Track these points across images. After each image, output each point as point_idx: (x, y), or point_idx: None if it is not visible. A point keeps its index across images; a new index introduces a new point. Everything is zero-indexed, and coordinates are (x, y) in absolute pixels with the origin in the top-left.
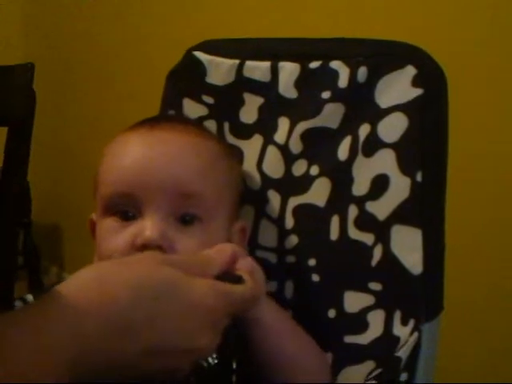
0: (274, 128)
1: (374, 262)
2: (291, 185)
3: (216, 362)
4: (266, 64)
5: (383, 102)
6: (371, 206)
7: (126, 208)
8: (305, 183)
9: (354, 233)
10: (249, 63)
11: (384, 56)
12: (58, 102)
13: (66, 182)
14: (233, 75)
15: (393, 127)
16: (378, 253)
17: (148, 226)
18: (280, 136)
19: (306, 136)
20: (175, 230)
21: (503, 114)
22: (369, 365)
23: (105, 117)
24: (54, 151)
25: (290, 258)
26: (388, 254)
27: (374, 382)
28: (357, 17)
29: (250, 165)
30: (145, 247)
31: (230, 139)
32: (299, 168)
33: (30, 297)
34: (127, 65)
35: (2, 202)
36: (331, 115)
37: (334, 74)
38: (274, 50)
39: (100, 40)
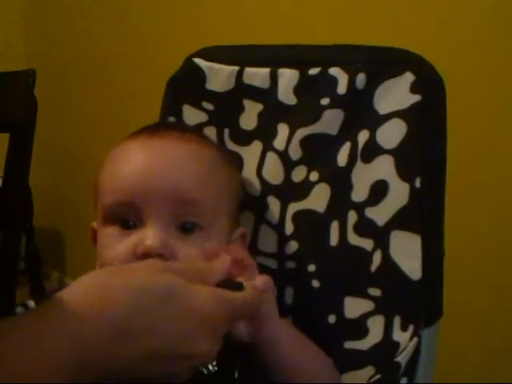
0: (274, 134)
1: (374, 267)
2: (291, 191)
3: (216, 369)
4: (266, 70)
5: (382, 108)
6: (370, 212)
7: (126, 217)
8: (304, 189)
9: (353, 238)
10: (248, 70)
11: (382, 62)
12: (59, 107)
13: (68, 187)
14: (232, 82)
15: (391, 133)
16: (377, 258)
17: (149, 235)
18: (279, 142)
19: (305, 142)
20: (176, 238)
21: (502, 116)
22: (369, 370)
23: (106, 122)
24: (56, 156)
25: (290, 264)
26: (387, 260)
27: None
28: (355, 23)
29: (249, 171)
30: (146, 256)
31: (230, 145)
32: (299, 174)
33: (31, 303)
34: (128, 70)
35: (4, 208)
36: (330, 121)
37: (333, 81)
38: (273, 56)
39: (101, 45)
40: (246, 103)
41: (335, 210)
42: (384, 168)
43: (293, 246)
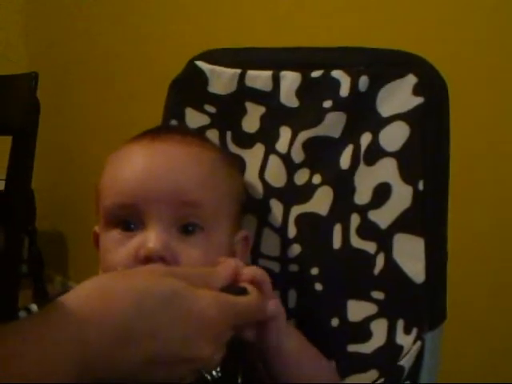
0: (276, 137)
1: (377, 270)
2: (293, 194)
3: (220, 375)
4: (268, 73)
5: (384, 110)
6: (373, 215)
7: (128, 219)
8: (307, 192)
9: (356, 241)
10: (250, 72)
11: (385, 65)
12: (60, 109)
13: (70, 189)
14: (235, 84)
15: (394, 136)
16: (380, 261)
17: (151, 238)
18: (282, 145)
19: (307, 145)
20: (178, 240)
21: (503, 117)
22: (372, 374)
23: (108, 124)
24: (59, 159)
25: (293, 267)
26: (390, 263)
27: None
28: (357, 25)
29: (252, 174)
30: (148, 259)
31: (233, 148)
32: (301, 177)
33: (34, 307)
34: (129, 71)
35: (6, 210)
36: (333, 124)
37: (336, 83)
38: (275, 59)
39: (101, 46)
40: (249, 106)
41: (338, 212)
42: (387, 171)
43: (296, 249)
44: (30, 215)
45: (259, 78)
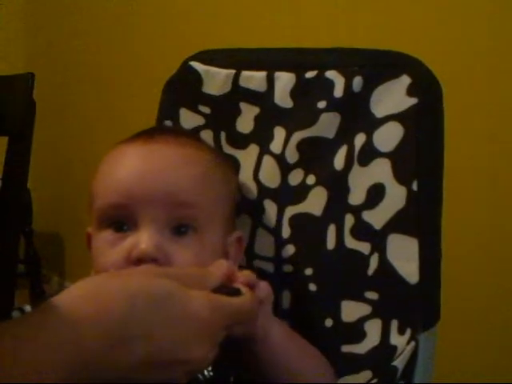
0: (270, 138)
1: (371, 271)
2: (288, 194)
3: (211, 374)
4: (262, 74)
5: (378, 111)
6: (367, 216)
7: (121, 220)
8: (301, 193)
9: (350, 242)
10: (245, 73)
11: (379, 66)
12: (58, 110)
13: (67, 190)
14: (229, 85)
15: (388, 136)
16: (374, 262)
17: (143, 239)
18: (276, 146)
19: (301, 146)
20: (170, 241)
21: (500, 118)
22: (366, 374)
23: (106, 125)
24: (56, 160)
25: (287, 268)
26: (384, 264)
27: None
28: (352, 27)
29: (246, 175)
30: (140, 260)
31: (227, 149)
32: (295, 177)
33: (28, 308)
34: (126, 74)
35: (2, 211)
36: (327, 125)
37: (330, 84)
38: (269, 59)
39: (99, 49)
40: (243, 106)
41: (332, 213)
42: (381, 171)
43: (290, 249)
44: (27, 215)
45: (253, 79)
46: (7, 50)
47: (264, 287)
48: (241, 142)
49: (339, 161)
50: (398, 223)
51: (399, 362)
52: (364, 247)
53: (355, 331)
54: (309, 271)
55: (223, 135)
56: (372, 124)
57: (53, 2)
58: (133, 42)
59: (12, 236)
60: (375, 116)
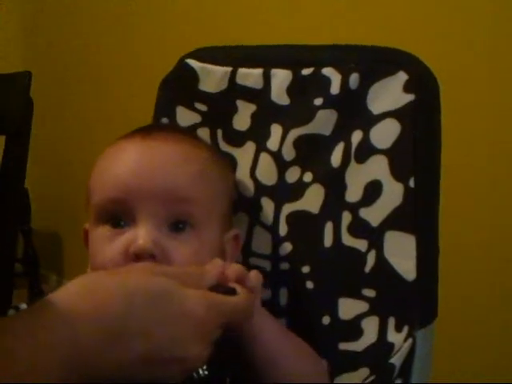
0: (267, 135)
1: (368, 268)
2: (285, 192)
3: (206, 373)
4: (259, 71)
5: (375, 108)
6: (364, 213)
7: (118, 215)
8: (298, 190)
9: (347, 239)
10: (241, 70)
11: (376, 62)
12: (56, 108)
13: (66, 189)
14: (225, 82)
15: (385, 133)
16: (371, 259)
17: (141, 235)
18: (273, 143)
19: (298, 143)
20: (168, 237)
21: (498, 116)
22: (363, 372)
23: (104, 123)
24: (54, 158)
25: (284, 265)
26: (381, 261)
27: None
28: (348, 23)
29: (243, 172)
30: (138, 256)
31: (223, 146)
32: (292, 175)
33: (23, 306)
34: (124, 71)
35: (0, 210)
36: (324, 122)
37: (326, 81)
38: (266, 56)
39: (97, 48)
40: (239, 104)
41: (329, 210)
42: (378, 168)
43: (287, 247)
44: (25, 214)
45: (250, 76)
46: (6, 49)
47: (254, 276)
48: (237, 139)
49: (336, 158)
50: (395, 220)
51: (396, 360)
52: (361, 244)
53: (352, 328)
54: (306, 269)
55: (220, 133)
56: (369, 121)
57: (51, 2)
58: (132, 41)
59: (10, 235)
60: (372, 113)
